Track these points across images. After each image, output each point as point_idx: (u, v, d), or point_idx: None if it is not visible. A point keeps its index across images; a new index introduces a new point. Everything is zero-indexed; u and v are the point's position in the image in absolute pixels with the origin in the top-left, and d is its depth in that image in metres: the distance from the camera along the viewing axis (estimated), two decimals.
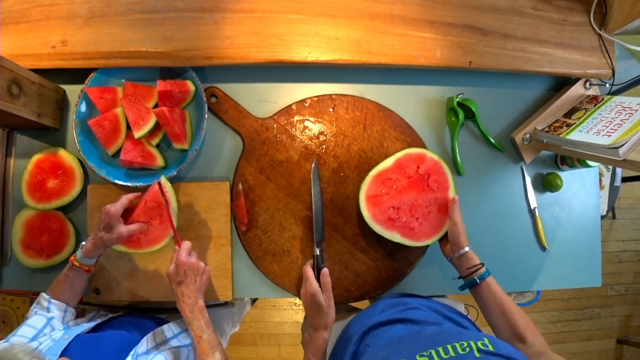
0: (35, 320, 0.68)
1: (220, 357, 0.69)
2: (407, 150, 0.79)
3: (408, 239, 0.77)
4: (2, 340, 0.61)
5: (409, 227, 0.77)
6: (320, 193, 0.83)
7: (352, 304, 1.00)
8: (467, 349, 0.46)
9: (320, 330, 0.73)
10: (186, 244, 0.74)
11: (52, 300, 0.72)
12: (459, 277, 0.74)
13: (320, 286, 0.75)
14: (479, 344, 0.47)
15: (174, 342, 0.74)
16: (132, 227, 0.74)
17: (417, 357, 0.47)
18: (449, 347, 0.47)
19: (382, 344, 0.60)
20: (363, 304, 0.85)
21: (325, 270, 0.77)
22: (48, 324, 0.69)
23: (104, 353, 0.64)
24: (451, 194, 0.78)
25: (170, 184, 0.78)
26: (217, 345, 0.70)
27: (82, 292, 0.76)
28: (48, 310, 0.71)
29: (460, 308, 0.88)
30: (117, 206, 0.71)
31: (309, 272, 0.76)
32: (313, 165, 0.83)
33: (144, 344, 0.70)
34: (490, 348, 0.46)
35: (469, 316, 0.77)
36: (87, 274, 0.74)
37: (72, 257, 0.73)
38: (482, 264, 0.71)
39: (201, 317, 0.71)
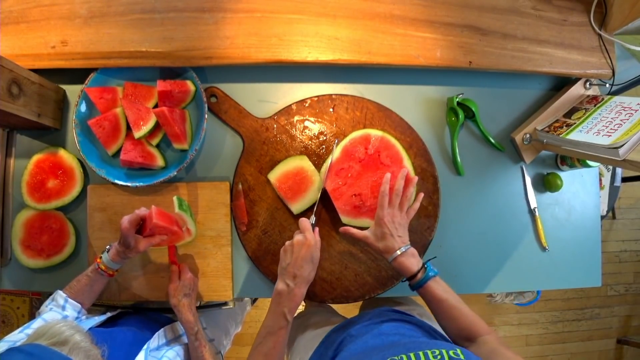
0: (50, 315, 0.68)
1: None
2: (350, 136, 0.81)
3: None
4: (23, 326, 0.61)
5: (375, 209, 0.76)
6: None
7: (339, 313, 1.00)
8: (439, 357, 0.47)
9: (302, 284, 0.68)
10: (185, 265, 0.80)
11: (69, 300, 0.71)
12: (404, 280, 0.72)
13: None
14: (450, 352, 0.47)
15: (185, 339, 0.76)
16: (151, 240, 0.73)
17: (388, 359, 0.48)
18: (421, 353, 0.48)
19: (353, 351, 0.60)
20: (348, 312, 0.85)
21: (317, 229, 0.75)
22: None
23: (117, 348, 0.65)
24: (406, 164, 0.78)
25: (184, 202, 0.79)
26: (217, 353, 0.77)
27: (97, 296, 0.77)
28: (63, 308, 0.71)
29: None
30: (126, 224, 0.69)
31: (307, 223, 0.71)
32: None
33: (155, 340, 0.71)
34: (462, 357, 0.46)
35: None
36: (109, 277, 0.75)
37: (98, 260, 0.73)
38: (420, 269, 0.68)
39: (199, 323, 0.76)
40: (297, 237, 0.70)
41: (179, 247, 0.83)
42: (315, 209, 0.79)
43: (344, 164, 0.80)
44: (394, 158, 0.79)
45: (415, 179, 0.75)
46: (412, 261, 0.68)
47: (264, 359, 0.64)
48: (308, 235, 0.69)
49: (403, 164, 0.79)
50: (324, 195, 0.81)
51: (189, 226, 0.79)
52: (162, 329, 0.75)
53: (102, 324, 0.73)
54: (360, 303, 1.33)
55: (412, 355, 0.48)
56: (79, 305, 0.72)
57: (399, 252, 0.69)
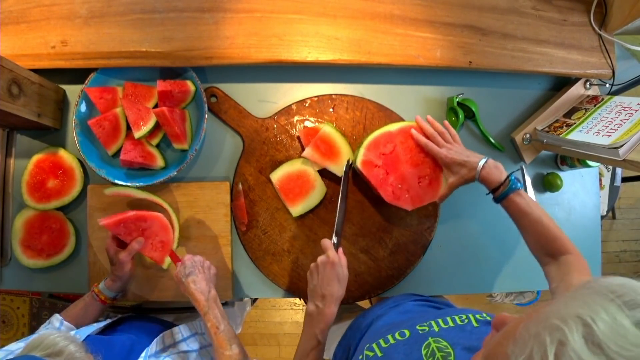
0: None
1: (238, 350, 0.66)
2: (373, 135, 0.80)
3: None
4: (24, 338, 0.62)
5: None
6: (347, 183, 0.82)
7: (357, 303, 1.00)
8: (466, 320, 0.48)
9: (331, 304, 0.67)
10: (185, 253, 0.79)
11: (64, 322, 0.72)
12: (488, 193, 0.72)
13: None
14: (477, 316, 0.48)
15: (183, 346, 0.74)
16: (129, 248, 0.75)
17: (417, 327, 0.48)
18: (448, 318, 0.49)
19: (381, 325, 0.61)
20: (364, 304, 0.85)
21: (341, 249, 0.74)
22: None
23: (115, 355, 0.65)
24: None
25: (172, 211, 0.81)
26: (234, 337, 0.68)
27: (93, 320, 0.77)
28: (59, 330, 0.71)
29: None
30: (107, 241, 0.75)
31: (328, 243, 0.71)
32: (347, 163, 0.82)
33: (154, 346, 0.70)
34: (488, 319, 0.48)
35: None
36: (102, 304, 0.77)
37: (96, 289, 0.76)
38: (505, 181, 0.67)
39: (216, 306, 0.69)
40: (321, 258, 0.69)
41: (177, 248, 0.83)
42: (335, 228, 0.79)
43: (377, 149, 0.79)
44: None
45: (429, 117, 0.78)
46: (497, 172, 0.69)
47: None
48: (331, 253, 0.69)
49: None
50: (328, 205, 0.81)
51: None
52: (160, 335, 0.74)
53: (102, 330, 0.73)
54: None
55: (439, 320, 0.49)
56: (75, 328, 0.73)
57: (480, 167, 0.69)
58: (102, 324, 0.73)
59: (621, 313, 0.24)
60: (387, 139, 0.79)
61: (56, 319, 0.72)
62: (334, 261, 0.68)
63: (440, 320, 0.49)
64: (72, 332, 0.67)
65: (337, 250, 0.71)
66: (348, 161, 0.82)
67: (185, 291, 0.70)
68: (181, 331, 0.77)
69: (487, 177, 0.69)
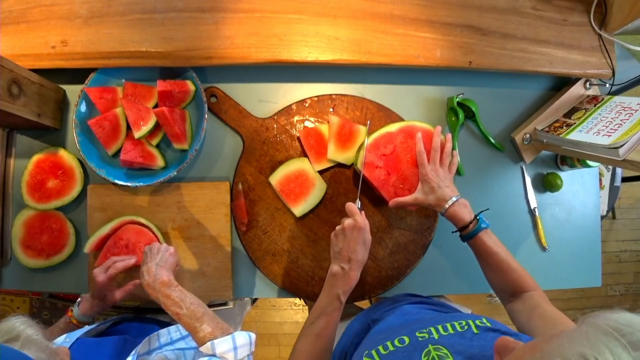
0: None
1: (211, 328, 0.60)
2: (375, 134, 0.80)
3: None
4: None
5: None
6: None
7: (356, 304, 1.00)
8: (466, 327, 0.48)
9: (356, 267, 0.67)
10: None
11: None
12: (454, 231, 0.72)
13: None
14: (477, 322, 0.48)
15: (180, 344, 0.73)
16: (126, 288, 0.76)
17: (417, 333, 0.48)
18: (448, 325, 0.49)
19: (379, 330, 0.60)
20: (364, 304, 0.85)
21: (363, 213, 0.73)
22: None
23: (105, 356, 0.64)
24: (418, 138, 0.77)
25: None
26: (202, 316, 0.62)
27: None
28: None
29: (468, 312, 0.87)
30: (103, 278, 0.71)
31: (354, 207, 0.71)
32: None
33: (146, 344, 0.70)
34: (488, 324, 0.47)
35: None
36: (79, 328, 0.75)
37: (70, 314, 0.74)
38: (473, 220, 0.68)
39: (169, 291, 0.63)
40: (348, 221, 0.69)
41: (177, 248, 0.83)
42: (358, 192, 0.79)
43: (378, 150, 0.79)
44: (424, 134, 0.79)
45: (449, 135, 0.77)
46: (465, 211, 0.69)
47: (315, 338, 0.64)
48: (358, 218, 0.68)
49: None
50: (328, 205, 0.81)
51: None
52: (155, 333, 0.73)
53: (102, 332, 0.73)
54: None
55: (439, 327, 0.48)
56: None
57: (450, 202, 0.69)
58: (94, 327, 0.73)
59: (626, 353, 0.23)
60: (387, 140, 0.79)
61: None
62: (361, 226, 0.68)
63: (440, 327, 0.48)
64: (63, 337, 0.67)
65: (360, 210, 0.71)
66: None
67: (146, 287, 0.65)
68: (170, 332, 0.76)
69: (454, 215, 0.69)
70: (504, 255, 0.67)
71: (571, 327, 0.27)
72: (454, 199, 0.70)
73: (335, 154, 0.82)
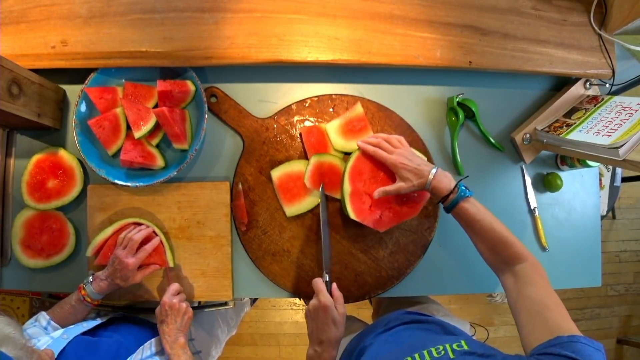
0: (32, 331, 0.70)
1: None
2: (350, 160, 0.77)
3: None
4: None
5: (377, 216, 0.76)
6: (327, 219, 0.81)
7: (359, 318, 1.00)
8: (442, 352, 0.47)
9: (329, 348, 0.66)
10: (174, 286, 0.79)
11: (52, 322, 0.73)
12: (438, 202, 0.70)
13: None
14: (454, 345, 0.47)
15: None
16: (146, 272, 0.79)
17: None
18: (425, 352, 0.48)
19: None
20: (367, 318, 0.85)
21: (335, 285, 0.72)
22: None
23: (100, 358, 0.65)
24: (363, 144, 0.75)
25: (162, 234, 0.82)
26: None
27: (82, 320, 0.77)
28: (45, 329, 0.72)
29: (466, 327, 0.86)
30: (134, 260, 0.75)
31: (321, 284, 0.69)
32: (320, 189, 0.81)
33: (139, 354, 0.71)
34: (465, 347, 0.47)
35: (474, 337, 0.76)
36: (93, 307, 0.77)
37: (83, 292, 0.75)
38: (454, 189, 0.67)
39: (182, 353, 0.74)
40: (312, 302, 0.68)
41: (177, 248, 0.83)
42: (324, 265, 0.77)
43: (358, 188, 0.76)
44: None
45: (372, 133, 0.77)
46: (446, 181, 0.67)
47: None
48: (322, 298, 0.67)
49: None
50: (328, 205, 0.81)
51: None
52: (147, 342, 0.75)
53: (91, 330, 0.73)
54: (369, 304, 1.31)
55: (416, 355, 0.48)
56: (61, 328, 0.73)
57: (431, 176, 0.68)
58: (91, 324, 0.74)
59: None
60: (357, 173, 0.77)
61: (43, 318, 0.72)
62: (325, 305, 0.66)
63: (417, 355, 0.48)
64: (60, 332, 0.67)
65: (330, 288, 0.70)
66: (322, 186, 0.81)
67: (158, 331, 0.76)
68: (152, 345, 0.77)
69: (437, 186, 0.68)
70: (488, 221, 0.65)
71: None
72: (433, 171, 0.68)
73: (338, 138, 0.83)
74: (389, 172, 0.75)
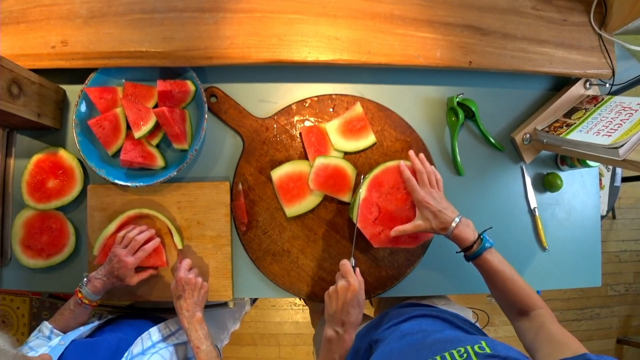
0: (35, 343, 0.70)
1: None
2: (374, 171, 0.78)
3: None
4: None
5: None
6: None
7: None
8: (465, 355, 0.46)
9: (350, 329, 0.65)
10: (186, 262, 0.78)
11: (54, 331, 0.72)
12: (458, 252, 0.71)
13: None
14: (476, 348, 0.47)
15: (181, 337, 0.76)
16: (143, 275, 0.79)
17: None
18: (447, 354, 0.48)
19: (379, 357, 0.60)
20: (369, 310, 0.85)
21: (358, 270, 0.71)
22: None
23: (99, 357, 0.65)
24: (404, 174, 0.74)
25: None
26: (215, 358, 0.72)
27: (84, 323, 0.77)
28: (49, 338, 0.71)
29: (468, 314, 0.86)
30: (133, 259, 0.74)
31: (349, 267, 0.68)
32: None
33: (139, 344, 0.70)
34: (488, 350, 0.46)
35: (477, 323, 0.76)
36: (92, 308, 0.77)
37: (79, 295, 0.74)
38: (477, 240, 0.67)
39: (199, 328, 0.74)
40: (341, 283, 0.67)
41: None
42: (352, 250, 0.76)
43: (372, 197, 0.76)
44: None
45: (422, 155, 0.76)
46: (468, 231, 0.68)
47: None
48: (351, 279, 0.66)
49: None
50: (328, 205, 0.81)
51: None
52: (146, 332, 0.75)
53: (94, 331, 0.73)
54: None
55: (438, 358, 0.47)
56: (62, 334, 0.72)
57: (454, 224, 0.68)
58: (89, 327, 0.74)
59: None
60: (377, 185, 0.77)
61: (46, 327, 0.72)
62: (354, 288, 0.65)
63: (438, 358, 0.47)
64: (58, 338, 0.67)
65: (355, 273, 0.69)
66: (361, 175, 0.80)
67: (175, 307, 0.76)
68: (168, 326, 0.78)
69: (459, 235, 0.68)
70: (509, 273, 0.66)
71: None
72: (457, 219, 0.68)
73: (338, 137, 0.83)
74: (407, 199, 0.75)
